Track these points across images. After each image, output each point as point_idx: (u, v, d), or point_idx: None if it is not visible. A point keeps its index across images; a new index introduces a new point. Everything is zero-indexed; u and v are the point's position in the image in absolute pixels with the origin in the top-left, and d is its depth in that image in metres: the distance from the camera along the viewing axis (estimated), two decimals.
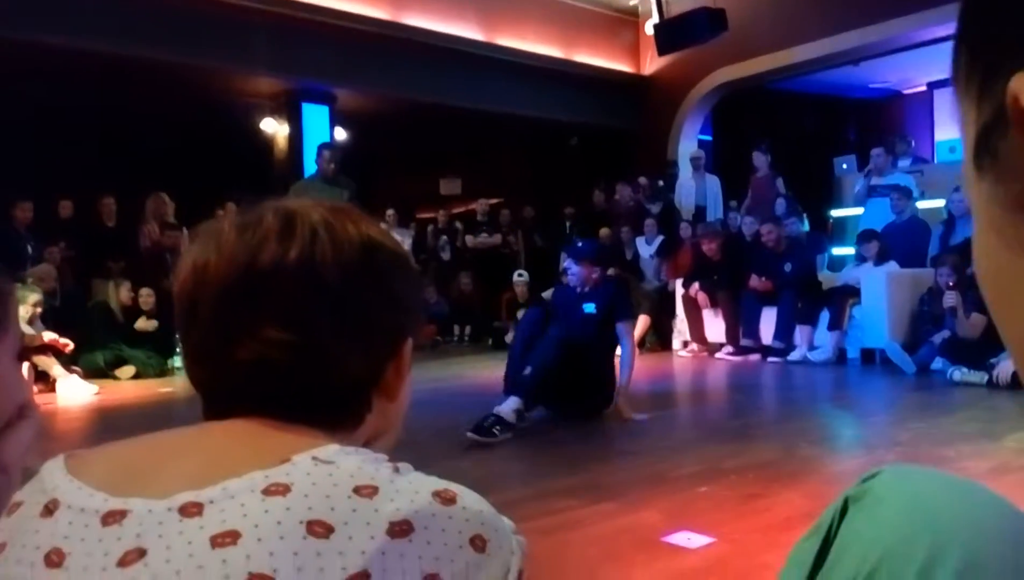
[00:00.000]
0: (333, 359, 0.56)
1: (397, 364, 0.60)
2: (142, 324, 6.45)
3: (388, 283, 0.59)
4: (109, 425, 4.64)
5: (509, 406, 3.48)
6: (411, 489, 0.48)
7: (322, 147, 6.51)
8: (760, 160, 8.51)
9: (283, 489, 0.47)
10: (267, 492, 0.46)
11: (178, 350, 6.19)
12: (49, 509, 0.49)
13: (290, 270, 0.55)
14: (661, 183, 9.04)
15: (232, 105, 8.82)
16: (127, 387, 5.77)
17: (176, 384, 5.74)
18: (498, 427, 3.42)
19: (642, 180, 8.98)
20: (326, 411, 0.56)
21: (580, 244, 4.44)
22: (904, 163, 8.35)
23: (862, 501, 0.51)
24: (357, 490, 0.47)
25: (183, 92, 8.18)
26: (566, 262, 4.28)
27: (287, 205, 0.59)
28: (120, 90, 8.01)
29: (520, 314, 8.37)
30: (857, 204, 7.50)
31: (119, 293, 6.66)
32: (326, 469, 0.48)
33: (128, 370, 6.12)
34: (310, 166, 8.56)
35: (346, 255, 0.57)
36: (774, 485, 2.58)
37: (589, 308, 3.99)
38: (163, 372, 6.16)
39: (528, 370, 3.61)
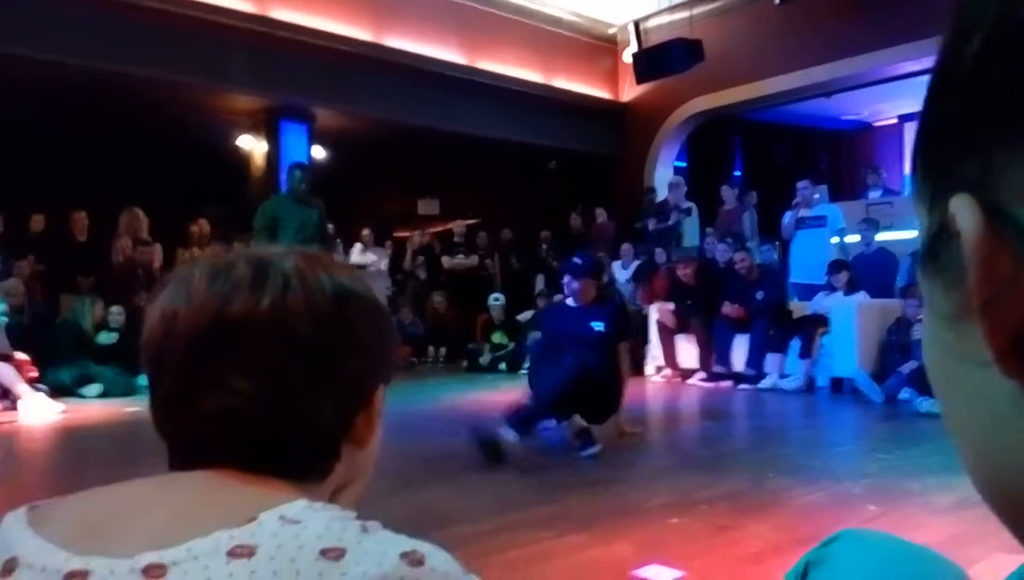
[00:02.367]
0: (303, 410, 0.56)
1: (368, 412, 0.60)
2: (103, 338, 6.35)
3: (360, 332, 0.59)
4: (73, 446, 4.55)
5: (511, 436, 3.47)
6: (378, 551, 0.47)
7: (293, 167, 6.43)
8: (728, 194, 8.65)
9: (248, 551, 0.46)
10: (232, 554, 0.46)
11: None
12: (8, 568, 0.48)
13: (261, 320, 0.54)
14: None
15: (209, 121, 8.77)
16: (93, 406, 5.67)
17: (143, 403, 5.64)
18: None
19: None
20: (295, 462, 0.56)
21: (579, 260, 4.36)
22: (875, 194, 8.51)
23: (822, 566, 0.52)
24: (323, 552, 0.46)
25: (159, 107, 8.13)
26: (565, 278, 4.23)
27: (259, 253, 0.59)
28: (95, 104, 7.94)
29: (497, 337, 8.38)
30: (786, 237, 7.51)
31: (93, 310, 6.56)
32: (292, 530, 0.47)
33: (94, 388, 6.01)
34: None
35: (318, 305, 0.57)
36: (744, 517, 2.59)
37: (598, 326, 3.92)
38: (130, 390, 6.05)
39: (533, 401, 3.59)
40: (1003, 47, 0.22)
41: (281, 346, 0.55)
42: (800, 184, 7.45)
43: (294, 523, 0.48)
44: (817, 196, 7.56)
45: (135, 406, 5.54)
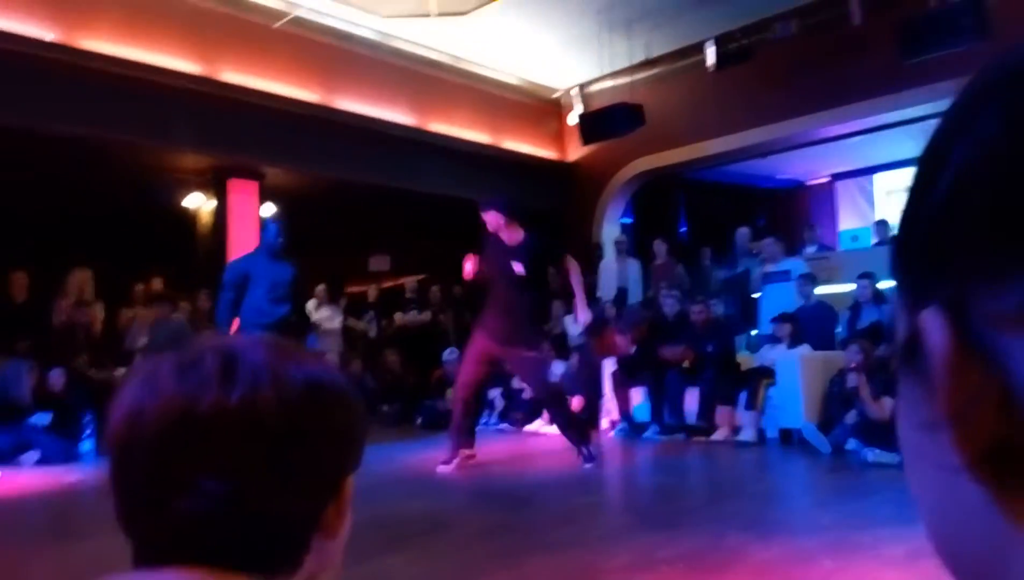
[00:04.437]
0: (274, 507, 0.54)
1: (339, 502, 0.59)
2: (38, 419, 6.02)
3: (331, 422, 0.58)
4: (6, 519, 4.32)
5: None
6: None
7: (270, 221, 6.06)
8: (660, 248, 9.06)
9: None
10: None
11: (86, 434, 5.92)
12: None
13: (231, 417, 0.53)
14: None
15: (156, 180, 8.64)
16: (30, 475, 5.41)
17: (84, 472, 5.42)
18: None
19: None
20: (265, 558, 0.55)
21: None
22: (811, 249, 8.88)
23: None
24: None
25: (104, 166, 7.99)
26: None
27: (227, 345, 0.58)
28: (39, 164, 7.77)
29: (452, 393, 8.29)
30: (754, 291, 7.89)
31: (31, 373, 6.30)
32: None
33: (32, 455, 5.75)
34: (237, 242, 8.42)
35: (289, 398, 0.55)
36: (706, 577, 2.62)
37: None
38: (70, 458, 5.81)
39: None
40: (975, 184, 0.23)
41: (252, 443, 0.53)
42: (766, 241, 7.85)
43: None
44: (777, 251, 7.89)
45: (75, 474, 5.32)
